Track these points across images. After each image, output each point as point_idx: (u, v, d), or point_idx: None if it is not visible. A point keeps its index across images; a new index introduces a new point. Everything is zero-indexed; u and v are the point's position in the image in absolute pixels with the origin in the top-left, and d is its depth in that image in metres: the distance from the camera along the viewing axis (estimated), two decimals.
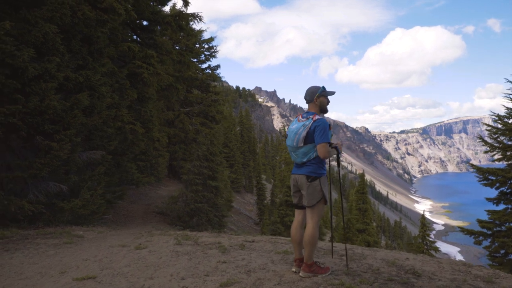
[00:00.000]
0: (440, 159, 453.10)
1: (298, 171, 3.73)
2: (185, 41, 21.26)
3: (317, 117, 3.64)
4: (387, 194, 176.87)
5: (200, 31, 23.72)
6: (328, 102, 3.85)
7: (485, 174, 13.66)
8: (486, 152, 14.57)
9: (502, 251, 12.55)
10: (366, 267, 4.17)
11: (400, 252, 5.52)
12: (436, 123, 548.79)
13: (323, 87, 3.81)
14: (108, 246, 5.11)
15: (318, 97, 3.76)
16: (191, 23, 15.79)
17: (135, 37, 15.15)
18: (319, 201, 3.61)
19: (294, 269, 3.83)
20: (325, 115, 3.98)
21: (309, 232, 3.61)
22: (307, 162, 3.66)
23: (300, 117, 3.76)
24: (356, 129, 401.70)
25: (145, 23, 14.93)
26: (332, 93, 3.86)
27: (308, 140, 3.60)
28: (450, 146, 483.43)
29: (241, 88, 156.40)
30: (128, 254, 4.57)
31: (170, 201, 13.34)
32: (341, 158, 4.10)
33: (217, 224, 13.05)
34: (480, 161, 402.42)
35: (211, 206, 12.66)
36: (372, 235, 25.24)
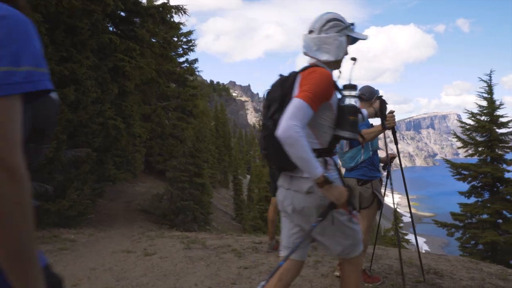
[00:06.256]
0: (409, 153, 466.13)
1: (348, 174, 3.57)
2: (163, 34, 20.62)
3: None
4: None
5: (179, 24, 23.12)
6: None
7: (458, 169, 14.20)
8: (459, 147, 15.15)
9: (473, 242, 13.10)
10: (387, 268, 4.10)
11: (408, 251, 5.51)
12: (405, 119, 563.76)
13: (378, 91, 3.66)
14: (111, 252, 4.79)
15: (376, 99, 3.55)
16: (175, 15, 15.29)
17: (114, 29, 14.54)
18: (370, 205, 3.45)
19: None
20: None
21: None
22: (356, 166, 3.50)
23: None
24: None
25: (122, 14, 14.35)
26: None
27: (353, 144, 3.46)
28: (419, 141, 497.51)
29: (215, 82, 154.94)
30: (138, 261, 4.29)
31: (154, 199, 12.95)
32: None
33: (203, 222, 12.79)
34: (445, 155, 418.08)
35: (197, 203, 12.37)
36: None
